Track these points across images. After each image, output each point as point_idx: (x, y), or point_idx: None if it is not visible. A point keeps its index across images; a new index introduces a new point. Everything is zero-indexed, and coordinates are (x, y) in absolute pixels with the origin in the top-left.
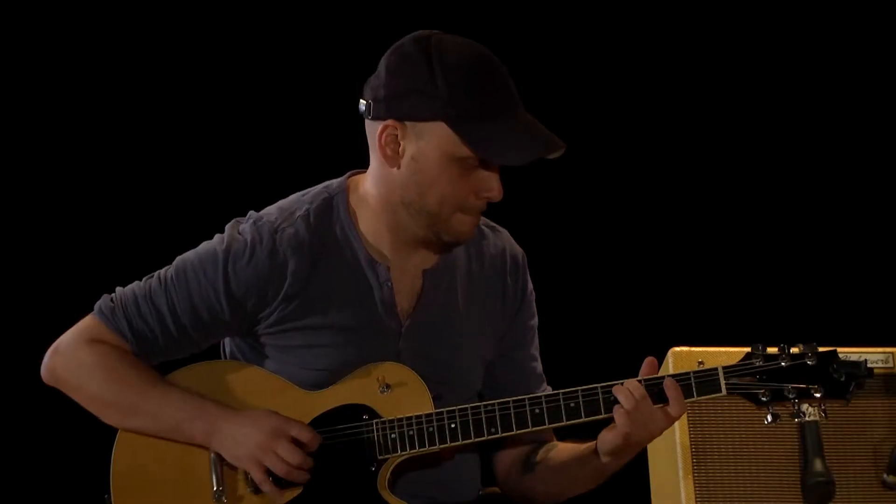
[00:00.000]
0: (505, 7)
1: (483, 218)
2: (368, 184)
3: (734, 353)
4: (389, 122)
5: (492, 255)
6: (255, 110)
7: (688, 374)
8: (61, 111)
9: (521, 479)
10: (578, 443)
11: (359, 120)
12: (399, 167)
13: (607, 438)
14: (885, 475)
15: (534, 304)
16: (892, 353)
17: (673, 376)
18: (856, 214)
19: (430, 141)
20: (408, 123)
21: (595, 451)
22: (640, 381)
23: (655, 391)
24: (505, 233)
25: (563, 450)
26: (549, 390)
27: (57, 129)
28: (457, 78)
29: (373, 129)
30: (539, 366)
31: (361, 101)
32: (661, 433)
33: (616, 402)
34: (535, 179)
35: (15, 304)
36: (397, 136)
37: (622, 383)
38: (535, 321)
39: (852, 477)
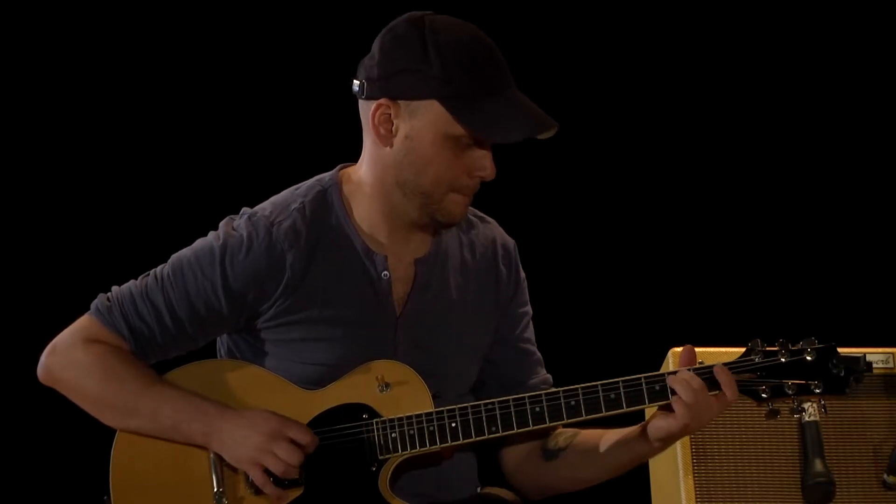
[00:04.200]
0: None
1: (471, 208)
2: (362, 169)
3: (734, 354)
4: (383, 101)
5: (482, 244)
6: (245, 109)
7: (688, 370)
8: (59, 111)
9: (542, 466)
10: (598, 429)
11: (348, 115)
12: (392, 146)
13: (661, 426)
14: (885, 475)
15: (527, 291)
16: (892, 353)
17: (672, 373)
18: (856, 214)
19: (424, 119)
20: (401, 102)
21: (640, 436)
22: (690, 370)
23: (711, 379)
24: (494, 223)
25: (594, 435)
26: (547, 376)
27: (54, 129)
28: (450, 57)
29: (366, 109)
30: (537, 350)
31: (355, 81)
32: (710, 421)
33: (673, 393)
34: (534, 178)
35: (12, 303)
36: (391, 115)
37: (674, 373)
38: (529, 308)
39: (852, 477)
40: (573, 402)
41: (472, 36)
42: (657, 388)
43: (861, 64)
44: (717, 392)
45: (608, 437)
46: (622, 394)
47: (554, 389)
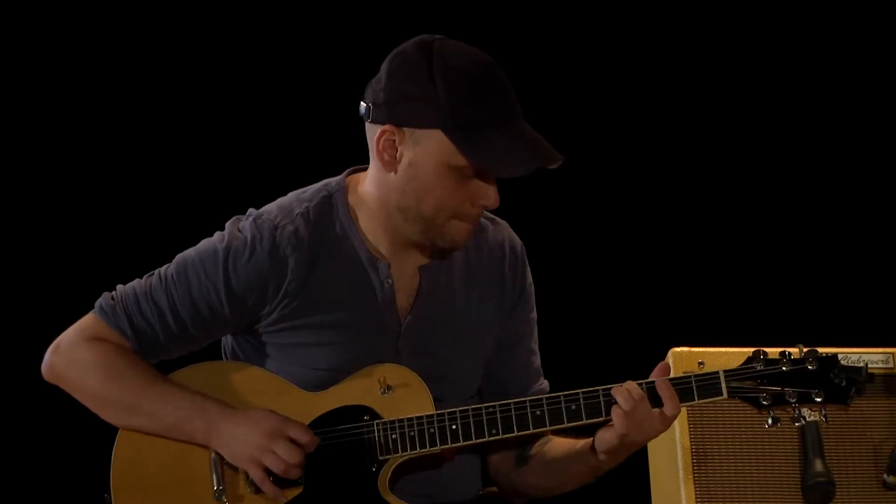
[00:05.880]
0: (507, 11)
1: None
2: (367, 184)
3: (734, 354)
4: (388, 127)
5: (490, 247)
6: (254, 109)
7: (689, 377)
8: (61, 111)
9: (513, 471)
10: (575, 438)
11: (357, 118)
12: (396, 172)
13: (604, 438)
14: (885, 475)
15: (533, 296)
16: (892, 353)
17: (674, 379)
18: (856, 214)
19: (428, 148)
20: (406, 129)
21: (591, 448)
22: (638, 384)
23: (655, 393)
24: (504, 224)
25: (559, 444)
26: (545, 384)
27: (57, 129)
28: (456, 86)
29: (372, 133)
30: (537, 359)
31: (362, 103)
32: (657, 435)
33: (615, 402)
34: (536, 179)
35: (15, 302)
36: (395, 141)
37: (622, 385)
38: (535, 314)
39: (852, 477)
40: (573, 407)
41: (482, 64)
42: (655, 392)
43: (861, 64)
44: (660, 408)
45: (568, 448)
46: None
47: (555, 393)
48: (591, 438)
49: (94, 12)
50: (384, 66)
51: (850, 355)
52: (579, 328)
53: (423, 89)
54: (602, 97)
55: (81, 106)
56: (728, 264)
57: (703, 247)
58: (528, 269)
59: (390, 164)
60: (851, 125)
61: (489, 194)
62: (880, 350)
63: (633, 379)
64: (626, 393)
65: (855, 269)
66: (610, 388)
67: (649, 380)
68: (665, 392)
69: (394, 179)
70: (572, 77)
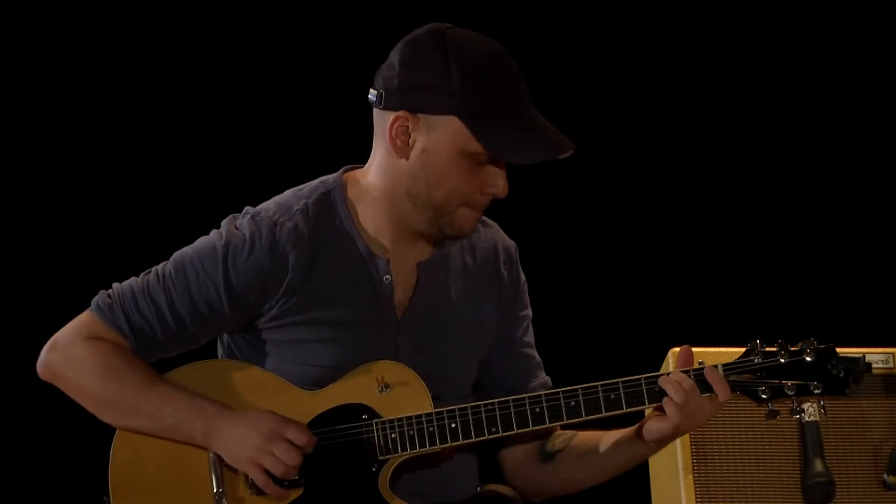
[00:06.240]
0: (510, 4)
1: None
2: (371, 174)
3: (734, 354)
4: (401, 113)
5: (484, 248)
6: (249, 108)
7: (687, 371)
8: (61, 110)
9: (539, 468)
10: (596, 431)
11: (352, 116)
12: (408, 158)
13: (654, 428)
14: (885, 475)
15: (527, 294)
16: (892, 353)
17: (666, 375)
18: (856, 214)
19: (442, 135)
20: (420, 116)
21: (634, 437)
22: (684, 371)
23: (703, 381)
24: (495, 226)
25: (591, 437)
26: (547, 379)
27: (56, 128)
28: (472, 74)
29: (383, 119)
30: (536, 354)
31: (372, 90)
32: (705, 421)
33: (665, 394)
34: (536, 178)
35: (13, 300)
36: (408, 127)
37: (667, 375)
38: (530, 311)
39: (852, 477)
40: (573, 403)
41: (494, 53)
42: (657, 388)
43: (861, 64)
44: (709, 394)
45: (606, 439)
46: (622, 394)
47: (553, 390)
48: (634, 427)
49: (93, 12)
50: (395, 54)
51: (850, 355)
52: (579, 328)
53: (437, 77)
54: (600, 97)
55: (79, 105)
56: (727, 265)
57: (703, 247)
58: (521, 269)
59: (402, 150)
60: (851, 125)
61: (499, 182)
62: (880, 350)
63: (631, 375)
64: (676, 384)
65: (855, 269)
66: (607, 384)
67: (697, 367)
68: (714, 379)
69: (405, 166)
70: (569, 77)
